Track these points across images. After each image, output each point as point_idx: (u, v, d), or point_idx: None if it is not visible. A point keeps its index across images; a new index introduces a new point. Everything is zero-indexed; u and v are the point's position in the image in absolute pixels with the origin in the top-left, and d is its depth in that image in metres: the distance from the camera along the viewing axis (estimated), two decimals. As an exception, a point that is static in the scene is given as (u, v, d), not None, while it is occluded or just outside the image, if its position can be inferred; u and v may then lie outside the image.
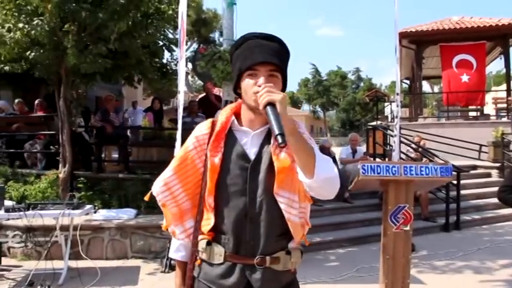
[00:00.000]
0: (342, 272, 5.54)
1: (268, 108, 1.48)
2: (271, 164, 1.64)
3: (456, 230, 7.88)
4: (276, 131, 1.42)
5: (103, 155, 8.82)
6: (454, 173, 7.55)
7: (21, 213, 5.03)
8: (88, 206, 5.55)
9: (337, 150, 9.51)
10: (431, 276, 5.48)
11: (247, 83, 1.64)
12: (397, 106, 7.31)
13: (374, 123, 16.25)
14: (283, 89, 1.67)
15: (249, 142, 1.70)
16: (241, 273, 1.64)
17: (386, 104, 23.31)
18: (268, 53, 1.63)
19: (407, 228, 3.22)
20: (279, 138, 1.41)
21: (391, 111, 20.20)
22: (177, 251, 1.82)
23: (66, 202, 5.31)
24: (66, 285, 5.07)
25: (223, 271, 1.66)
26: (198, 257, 1.72)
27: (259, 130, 1.70)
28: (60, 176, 7.18)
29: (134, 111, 11.79)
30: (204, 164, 1.71)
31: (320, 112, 62.29)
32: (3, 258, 6.02)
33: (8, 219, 5.82)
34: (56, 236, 5.36)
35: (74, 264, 5.40)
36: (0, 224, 6.09)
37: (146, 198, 1.89)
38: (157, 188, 1.76)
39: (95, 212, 6.45)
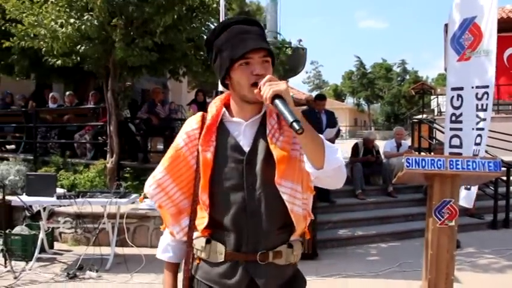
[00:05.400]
0: (383, 267, 5.48)
1: (277, 100, 1.42)
2: (268, 154, 1.56)
3: (505, 228, 7.60)
4: (291, 119, 1.36)
5: (149, 146, 9.04)
6: (503, 168, 7.28)
7: (72, 200, 5.27)
8: (134, 195, 5.73)
9: (381, 144, 9.35)
10: (476, 275, 5.34)
11: (241, 73, 1.54)
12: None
13: (419, 116, 15.86)
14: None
15: (242, 133, 1.62)
16: (244, 271, 1.57)
17: (432, 97, 22.71)
18: (258, 39, 1.56)
19: (452, 223, 3.15)
20: (296, 125, 1.35)
21: (438, 105, 19.66)
22: (165, 251, 1.77)
23: (113, 191, 5.52)
24: (112, 271, 5.27)
25: (226, 270, 1.59)
26: (196, 256, 1.65)
27: (251, 120, 1.62)
28: (108, 165, 7.44)
29: None
30: (197, 160, 1.63)
31: (364, 105, 61.37)
32: (55, 243, 6.32)
33: (60, 206, 6.11)
34: (104, 223, 5.59)
35: (120, 250, 5.61)
36: (52, 211, 6.37)
37: (140, 200, 1.88)
38: (150, 189, 1.69)
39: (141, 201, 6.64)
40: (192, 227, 1.65)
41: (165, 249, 1.77)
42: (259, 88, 1.47)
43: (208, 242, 1.61)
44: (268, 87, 1.44)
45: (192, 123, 1.69)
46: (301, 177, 1.57)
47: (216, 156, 1.59)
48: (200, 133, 1.63)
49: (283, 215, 1.58)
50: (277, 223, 1.59)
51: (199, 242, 1.63)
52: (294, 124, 1.35)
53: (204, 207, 1.59)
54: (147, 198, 1.75)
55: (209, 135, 1.61)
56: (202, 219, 1.60)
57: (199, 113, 1.72)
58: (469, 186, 5.39)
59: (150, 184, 1.70)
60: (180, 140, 1.67)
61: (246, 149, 1.60)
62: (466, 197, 5.38)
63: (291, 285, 1.67)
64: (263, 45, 1.55)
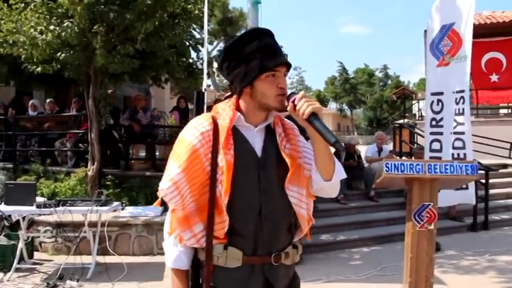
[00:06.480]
0: (365, 271, 5.52)
1: (315, 120, 1.53)
2: (278, 159, 1.65)
3: (484, 230, 7.70)
4: (333, 139, 1.51)
5: (130, 153, 8.97)
6: (481, 171, 7.40)
7: (52, 209, 5.20)
8: (115, 203, 5.69)
9: (363, 149, 9.43)
10: (456, 276, 5.41)
11: (268, 84, 1.61)
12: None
13: (401, 121, 16.05)
14: None
15: (253, 138, 1.67)
16: (261, 274, 1.63)
17: (414, 101, 23.00)
18: (282, 53, 1.66)
19: (432, 227, 3.19)
20: (338, 146, 1.52)
21: (419, 110, 19.93)
22: (178, 260, 1.67)
23: (94, 199, 5.47)
24: (94, 280, 5.20)
25: (243, 274, 1.62)
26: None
27: (260, 126, 1.68)
28: (89, 173, 7.36)
29: None
30: (211, 163, 1.60)
31: (347, 110, 61.85)
32: (35, 253, 6.22)
33: (40, 215, 6.02)
34: (85, 232, 5.52)
35: (101, 259, 5.55)
36: (32, 220, 6.27)
37: (156, 204, 1.74)
38: (168, 191, 1.59)
39: (122, 209, 6.58)
40: (210, 234, 1.59)
41: (178, 257, 1.67)
42: (293, 102, 1.57)
43: (225, 247, 1.61)
44: (306, 104, 1.53)
45: (204, 123, 1.65)
46: (305, 183, 1.67)
47: (235, 160, 1.60)
48: (213, 135, 1.62)
49: (289, 217, 1.69)
50: (285, 226, 1.69)
51: (216, 249, 1.61)
52: (337, 145, 1.52)
53: (224, 211, 1.57)
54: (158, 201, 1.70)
55: (228, 138, 1.61)
56: (222, 224, 1.58)
57: (208, 114, 1.70)
58: (465, 186, 5.46)
59: (167, 186, 1.58)
60: (195, 140, 1.61)
61: (259, 153, 1.66)
62: (466, 196, 5.43)
63: (293, 283, 1.79)
64: (287, 60, 1.64)
